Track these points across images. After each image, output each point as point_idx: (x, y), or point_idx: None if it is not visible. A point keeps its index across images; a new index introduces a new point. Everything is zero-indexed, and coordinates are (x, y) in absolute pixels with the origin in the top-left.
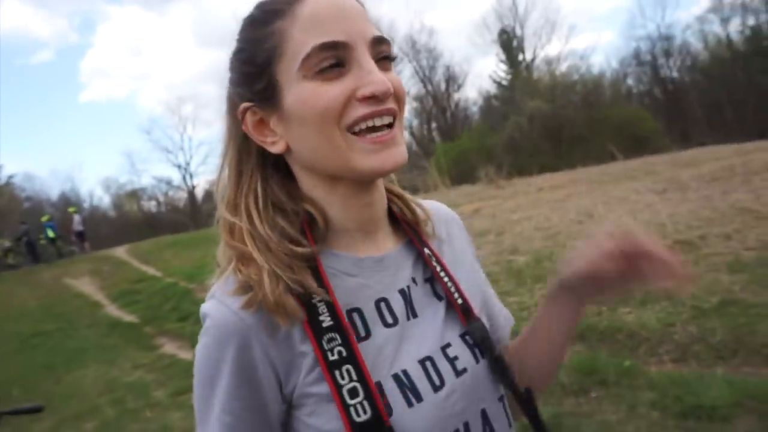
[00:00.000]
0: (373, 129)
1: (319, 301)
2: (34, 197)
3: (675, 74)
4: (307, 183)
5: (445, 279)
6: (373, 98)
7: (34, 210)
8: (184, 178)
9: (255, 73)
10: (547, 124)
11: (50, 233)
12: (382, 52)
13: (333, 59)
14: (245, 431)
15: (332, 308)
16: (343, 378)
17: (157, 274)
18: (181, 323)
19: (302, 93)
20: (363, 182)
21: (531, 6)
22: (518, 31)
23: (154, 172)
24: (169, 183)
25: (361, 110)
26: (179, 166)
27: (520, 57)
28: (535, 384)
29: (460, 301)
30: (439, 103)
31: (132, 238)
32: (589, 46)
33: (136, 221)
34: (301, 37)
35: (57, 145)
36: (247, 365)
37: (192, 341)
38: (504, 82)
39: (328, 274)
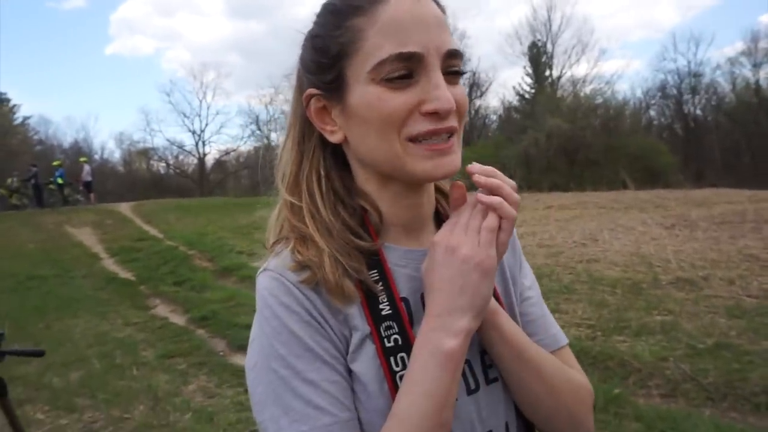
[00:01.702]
0: (431, 138)
1: (380, 290)
2: (46, 141)
3: (698, 112)
4: (361, 176)
5: None
6: (435, 114)
7: (44, 154)
8: (196, 144)
9: (326, 64)
10: (565, 143)
11: (59, 179)
12: (452, 66)
13: (404, 70)
14: (335, 383)
15: (392, 298)
16: (397, 365)
17: (158, 236)
18: (176, 287)
19: (368, 96)
20: (414, 184)
21: (565, 24)
22: (549, 47)
23: (168, 134)
24: (181, 147)
25: (422, 125)
26: (193, 132)
27: (547, 73)
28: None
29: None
30: None
31: (137, 196)
32: (616, 72)
33: (144, 180)
34: (378, 40)
35: (76, 93)
36: (312, 320)
37: (185, 307)
38: (527, 96)
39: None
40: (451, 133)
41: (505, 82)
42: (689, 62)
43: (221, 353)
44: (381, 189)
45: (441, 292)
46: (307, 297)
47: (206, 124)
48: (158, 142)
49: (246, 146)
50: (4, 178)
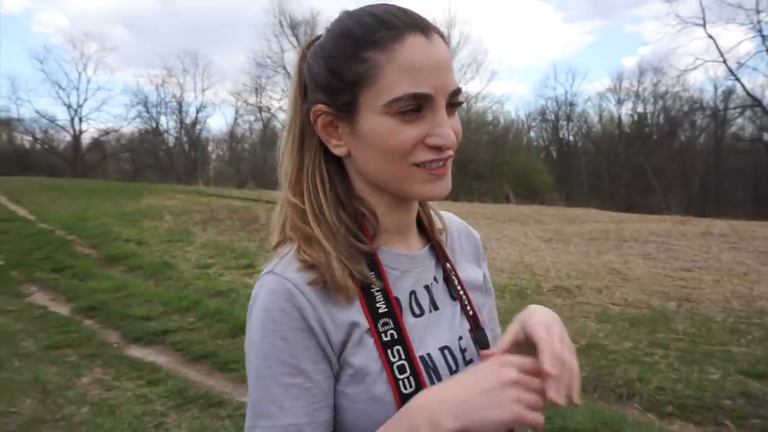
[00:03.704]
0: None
1: (377, 291)
2: None
3: (571, 138)
4: (359, 185)
5: (457, 286)
6: (438, 147)
7: None
8: (72, 120)
9: (339, 87)
10: (457, 156)
11: None
12: (454, 101)
13: (415, 106)
14: (313, 382)
15: (387, 297)
16: (394, 357)
17: (29, 217)
18: (55, 274)
19: (380, 127)
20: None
21: (463, 42)
22: None
23: (38, 106)
24: (52, 121)
25: (426, 155)
26: (69, 106)
27: None
28: None
29: (468, 309)
30: None
31: None
32: (505, 93)
33: (4, 153)
34: (394, 78)
35: None
36: (307, 328)
37: (67, 296)
38: None
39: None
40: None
41: None
42: (566, 92)
43: (115, 345)
44: (377, 198)
45: (465, 383)
46: (309, 302)
47: (85, 99)
48: (25, 113)
49: (129, 128)
50: None
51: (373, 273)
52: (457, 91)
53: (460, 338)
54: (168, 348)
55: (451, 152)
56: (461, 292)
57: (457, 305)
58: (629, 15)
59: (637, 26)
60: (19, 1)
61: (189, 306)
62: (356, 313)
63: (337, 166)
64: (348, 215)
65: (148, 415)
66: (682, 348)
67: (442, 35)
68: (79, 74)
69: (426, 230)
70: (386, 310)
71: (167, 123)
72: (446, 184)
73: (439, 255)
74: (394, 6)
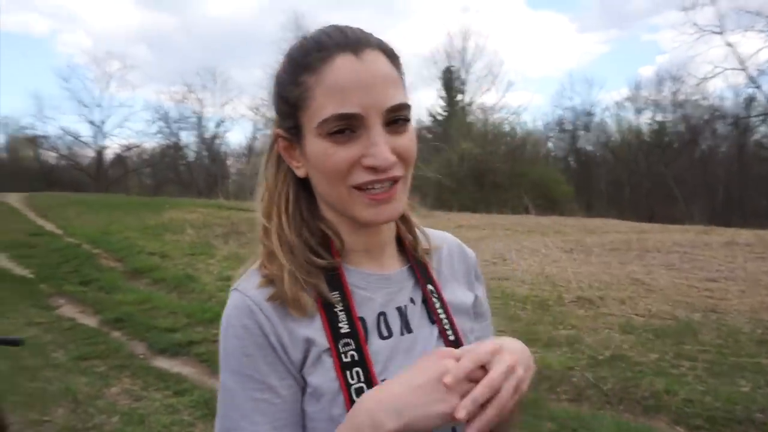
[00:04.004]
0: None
1: (340, 310)
2: None
3: (589, 147)
4: (323, 205)
5: (439, 309)
6: (374, 168)
7: None
8: (95, 136)
9: (286, 111)
10: (475, 166)
11: None
12: (395, 116)
13: (344, 126)
14: (278, 398)
15: (350, 316)
16: (352, 378)
17: (56, 231)
18: (82, 287)
19: (316, 149)
20: None
21: (478, 54)
22: (462, 74)
23: (63, 123)
24: (76, 137)
25: (364, 177)
26: (92, 123)
27: (459, 98)
28: None
29: (449, 333)
30: None
31: (23, 187)
32: (522, 104)
33: (31, 170)
34: (322, 100)
35: None
36: (267, 343)
37: (94, 308)
38: (440, 118)
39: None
40: (394, 180)
41: (419, 102)
42: (583, 102)
43: (142, 356)
44: (339, 218)
45: (402, 380)
46: (268, 318)
47: (108, 116)
48: (50, 130)
49: (151, 143)
50: None
51: (336, 292)
52: (399, 107)
53: None
54: (193, 359)
55: (396, 173)
56: (442, 316)
57: (436, 329)
58: (645, 24)
59: (654, 35)
60: (45, 23)
61: (212, 318)
62: (315, 331)
63: (305, 186)
64: (311, 234)
65: (176, 424)
66: (710, 360)
67: (384, 50)
68: (102, 92)
69: (406, 249)
70: (348, 330)
71: (187, 138)
72: (393, 208)
73: (419, 275)
74: (332, 27)
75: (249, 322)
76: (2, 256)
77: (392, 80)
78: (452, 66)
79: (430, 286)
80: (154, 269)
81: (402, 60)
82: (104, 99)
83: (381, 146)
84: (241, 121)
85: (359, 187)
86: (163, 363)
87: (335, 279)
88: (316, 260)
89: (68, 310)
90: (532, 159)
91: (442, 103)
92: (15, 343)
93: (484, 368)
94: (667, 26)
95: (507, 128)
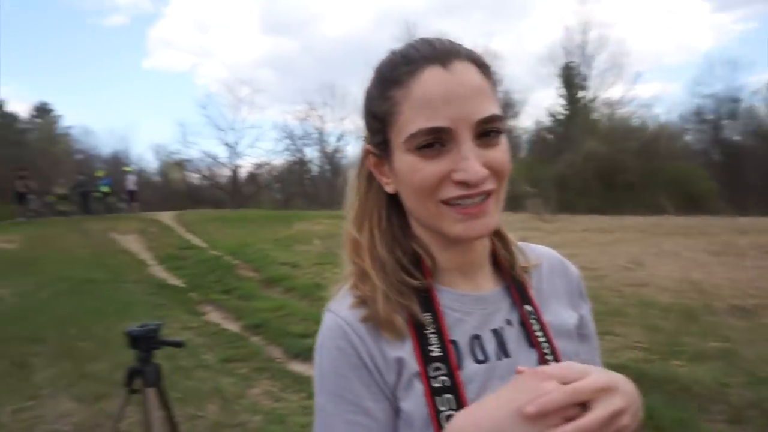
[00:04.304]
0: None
1: (432, 332)
2: (87, 151)
3: (736, 137)
4: (413, 223)
5: (538, 332)
6: (465, 183)
7: (85, 163)
8: (230, 156)
9: (375, 127)
10: (602, 166)
11: (105, 188)
12: (487, 129)
13: (433, 140)
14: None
15: (441, 339)
16: (443, 405)
17: (201, 245)
18: (225, 295)
19: (404, 164)
20: None
21: (600, 47)
22: (583, 69)
23: (203, 146)
24: (215, 159)
25: (453, 191)
26: (227, 144)
27: (580, 94)
28: None
29: (550, 358)
30: None
31: (173, 206)
32: (654, 95)
33: (179, 190)
34: (410, 114)
35: (115, 106)
36: (361, 364)
37: (236, 315)
38: (560, 117)
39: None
40: (487, 194)
41: (538, 102)
42: (726, 87)
43: (279, 360)
44: (430, 235)
45: (502, 401)
46: (361, 339)
47: (241, 137)
48: (193, 153)
49: (279, 160)
50: (48, 185)
51: (428, 314)
52: (490, 119)
53: None
54: None
55: (488, 187)
56: (541, 339)
57: (535, 353)
58: None
59: None
60: (186, 59)
61: None
62: (406, 353)
63: (395, 203)
64: (403, 252)
65: (311, 426)
66: None
67: (474, 61)
68: (235, 116)
69: (502, 268)
70: (439, 354)
71: (311, 153)
72: (485, 223)
73: (516, 296)
74: (421, 39)
75: (343, 343)
76: (159, 267)
77: (483, 91)
78: (571, 62)
79: (528, 307)
80: (286, 278)
81: (493, 69)
82: (237, 122)
83: (471, 160)
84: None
85: (448, 202)
86: (297, 367)
87: (427, 300)
88: (408, 280)
89: (214, 316)
90: (668, 154)
91: (563, 101)
92: (178, 344)
93: (584, 404)
94: None
95: (637, 123)
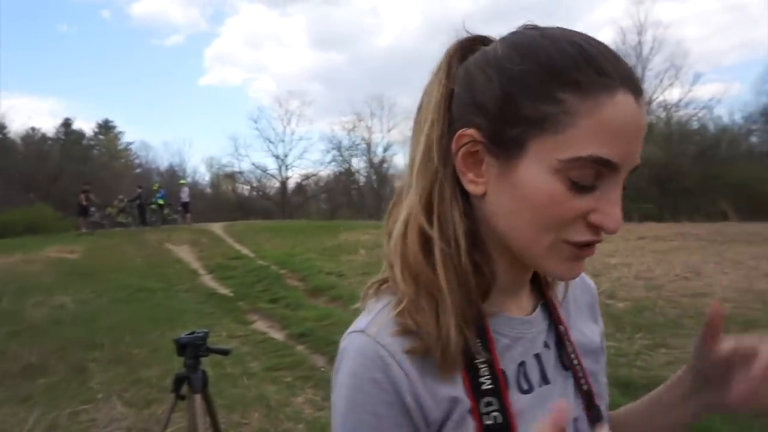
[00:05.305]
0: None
1: (482, 362)
2: (145, 165)
3: None
4: (484, 232)
5: (572, 353)
6: (600, 229)
7: (143, 176)
8: (279, 168)
9: (512, 120)
10: (657, 171)
11: (160, 200)
12: (627, 177)
13: (594, 178)
14: None
15: (493, 371)
16: None
17: (250, 255)
18: (272, 304)
19: (545, 185)
20: None
21: (657, 48)
22: (638, 71)
23: (254, 159)
24: (264, 171)
25: (584, 235)
26: (277, 157)
27: None
28: None
29: (583, 382)
30: None
31: (223, 217)
32: (714, 96)
33: (230, 201)
34: (587, 134)
35: (172, 121)
36: (401, 403)
37: (282, 323)
38: None
39: None
40: None
41: None
42: None
43: (323, 369)
44: (501, 251)
45: None
46: (406, 374)
47: (290, 150)
48: (244, 166)
49: (325, 171)
50: (110, 198)
51: (479, 341)
52: (636, 168)
53: (575, 420)
54: None
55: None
56: (575, 362)
57: (570, 378)
58: None
59: None
60: (239, 75)
61: None
62: (458, 388)
63: (466, 202)
64: (473, 266)
65: None
66: None
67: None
68: (284, 128)
69: (540, 283)
70: (491, 386)
71: (358, 164)
72: (582, 267)
73: (554, 315)
74: (605, 46)
75: (381, 377)
76: (209, 277)
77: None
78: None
79: (560, 326)
80: (332, 287)
81: None
82: (286, 134)
83: (618, 209)
84: (406, 143)
85: (570, 242)
86: None
87: (480, 326)
88: (475, 304)
89: (261, 324)
90: (730, 158)
91: None
92: (225, 352)
93: None
94: None
95: (696, 126)
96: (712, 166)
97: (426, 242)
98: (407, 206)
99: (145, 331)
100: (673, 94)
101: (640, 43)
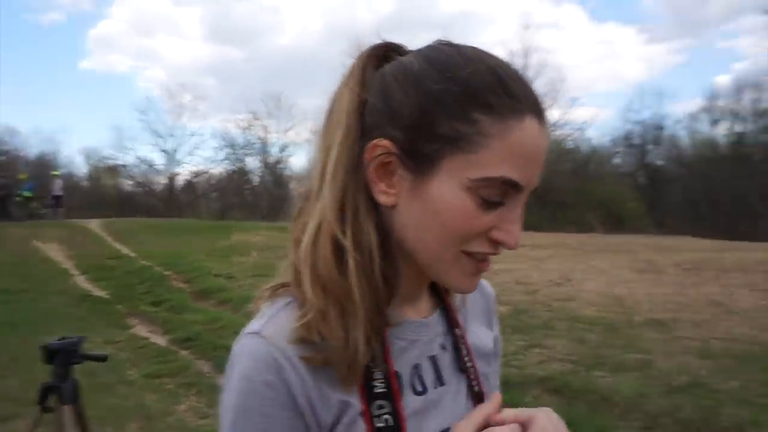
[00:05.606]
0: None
1: (375, 366)
2: (11, 152)
3: (660, 162)
4: (393, 243)
5: (466, 356)
6: (499, 244)
7: (8, 165)
8: (168, 163)
9: (427, 135)
10: (539, 185)
11: (27, 192)
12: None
13: (501, 197)
14: None
15: (387, 375)
16: None
17: (131, 254)
18: (154, 307)
19: (456, 201)
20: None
21: (540, 71)
22: None
23: (140, 152)
24: (151, 165)
25: (485, 247)
26: (165, 151)
27: None
28: None
29: (475, 384)
30: None
31: (102, 213)
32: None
33: (110, 197)
34: (498, 156)
35: (44, 105)
36: (293, 402)
37: (165, 328)
38: None
39: None
40: None
41: None
42: (653, 115)
43: (208, 374)
44: (407, 262)
45: None
46: (300, 377)
47: (180, 145)
48: (128, 159)
49: (218, 169)
50: None
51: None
52: (536, 189)
53: None
54: None
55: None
56: (469, 365)
57: (464, 380)
58: (720, 31)
59: (731, 42)
60: (128, 60)
61: None
62: (351, 393)
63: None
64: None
65: None
66: None
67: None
68: (175, 122)
69: (439, 288)
70: (383, 390)
71: (252, 163)
72: (479, 281)
73: (451, 319)
74: (514, 70)
75: (274, 379)
76: (83, 278)
77: None
78: None
79: (457, 330)
80: (221, 290)
81: None
82: (177, 129)
83: (518, 227)
84: (304, 145)
85: (471, 253)
86: None
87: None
88: (384, 313)
89: (141, 329)
90: (598, 176)
91: None
92: (102, 359)
93: None
94: (745, 32)
95: (571, 145)
96: (583, 182)
97: (338, 251)
98: (318, 214)
99: (3, 337)
100: (552, 115)
101: (525, 65)
